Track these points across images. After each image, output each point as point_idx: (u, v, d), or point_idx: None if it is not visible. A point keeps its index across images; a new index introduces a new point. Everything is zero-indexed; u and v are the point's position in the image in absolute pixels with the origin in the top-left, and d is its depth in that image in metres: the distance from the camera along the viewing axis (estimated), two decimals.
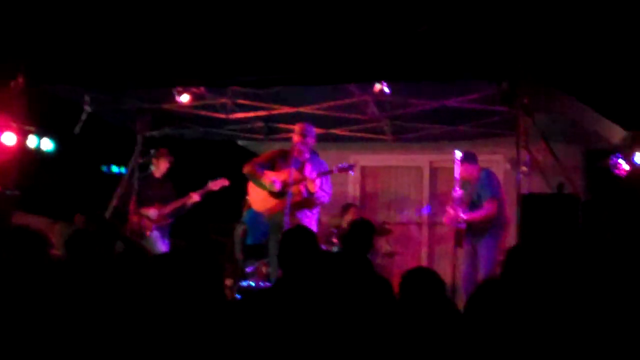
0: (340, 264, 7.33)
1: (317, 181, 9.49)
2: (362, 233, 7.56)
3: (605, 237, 8.65)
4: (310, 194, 9.49)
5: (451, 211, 10.17)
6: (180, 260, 5.88)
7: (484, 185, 9.98)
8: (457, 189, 10.04)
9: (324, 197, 9.67)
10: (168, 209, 10.51)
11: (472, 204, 10.04)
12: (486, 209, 9.84)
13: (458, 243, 10.16)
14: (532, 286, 5.22)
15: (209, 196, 10.76)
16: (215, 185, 10.59)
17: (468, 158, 10.05)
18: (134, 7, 8.84)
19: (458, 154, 9.87)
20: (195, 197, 10.59)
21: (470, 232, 9.96)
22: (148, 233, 10.32)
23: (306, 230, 6.04)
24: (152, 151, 10.77)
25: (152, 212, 10.39)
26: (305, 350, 4.90)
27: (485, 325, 4.37)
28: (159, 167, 10.69)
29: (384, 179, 13.86)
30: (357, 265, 7.11)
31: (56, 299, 5.38)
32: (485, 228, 9.85)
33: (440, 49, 8.11)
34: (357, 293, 5.91)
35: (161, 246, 10.31)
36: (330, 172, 9.65)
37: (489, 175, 10.08)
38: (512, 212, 9.51)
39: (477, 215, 9.95)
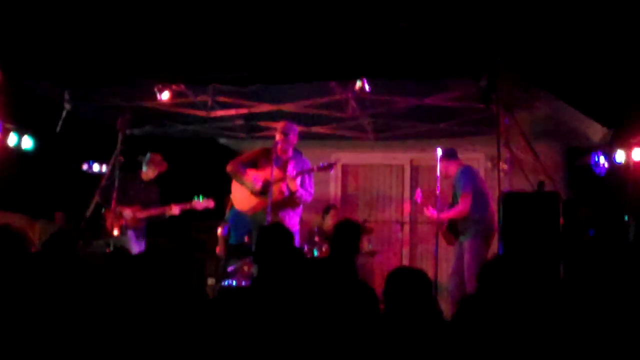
0: (326, 267, 7.31)
1: (298, 180, 9.46)
2: (348, 235, 7.51)
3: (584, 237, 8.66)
4: (292, 192, 9.47)
5: (427, 212, 10.21)
6: (160, 258, 5.87)
7: (457, 182, 9.98)
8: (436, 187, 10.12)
9: (306, 196, 9.64)
10: (144, 214, 10.44)
11: (453, 202, 10.05)
12: (460, 205, 9.82)
13: (448, 242, 10.19)
14: (507, 301, 5.20)
15: (189, 195, 10.71)
16: (200, 205, 10.56)
17: (446, 155, 10.05)
18: (114, 4, 8.80)
19: (440, 152, 9.87)
20: (175, 210, 10.52)
21: (456, 230, 9.97)
22: (118, 232, 10.24)
23: (282, 227, 6.03)
24: (148, 155, 10.73)
25: (126, 213, 10.32)
26: (282, 350, 4.88)
27: (467, 338, 4.39)
28: (148, 172, 10.64)
29: (365, 177, 13.85)
30: (342, 269, 7.07)
31: (36, 297, 5.34)
32: (469, 226, 9.82)
33: (420, 46, 8.11)
34: (337, 297, 5.89)
35: (135, 246, 10.23)
36: (311, 170, 9.62)
37: (463, 171, 10.05)
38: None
39: (452, 212, 9.96)
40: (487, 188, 10.08)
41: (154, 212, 10.47)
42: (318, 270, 7.11)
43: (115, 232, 10.14)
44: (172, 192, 10.73)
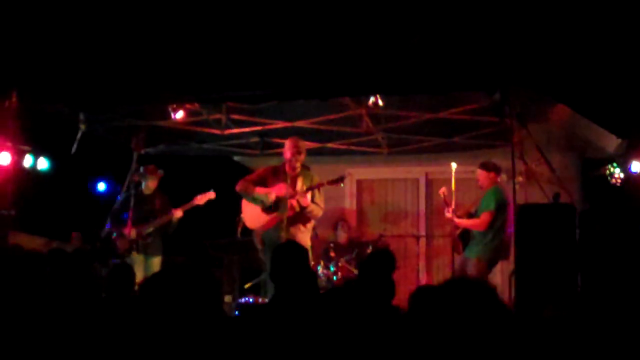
0: (354, 290, 7.25)
1: (308, 195, 9.45)
2: (380, 265, 7.44)
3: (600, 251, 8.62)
4: (303, 208, 9.46)
5: (446, 213, 10.22)
6: (177, 277, 5.87)
7: (487, 196, 9.96)
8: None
9: (317, 211, 9.63)
10: (148, 227, 10.33)
11: (475, 214, 10.03)
12: (479, 220, 9.80)
13: (455, 250, 10.19)
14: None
15: (204, 213, 10.69)
16: (201, 199, 10.45)
17: (487, 166, 10.05)
18: (126, 25, 8.83)
19: (454, 166, 9.86)
20: (178, 213, 10.44)
21: (466, 241, 9.97)
22: (128, 253, 10.16)
23: (296, 245, 6.02)
24: (141, 169, 10.69)
25: (128, 233, 10.24)
26: None
27: None
28: (148, 184, 10.58)
29: (380, 191, 13.85)
30: (371, 295, 7.01)
31: (51, 318, 5.35)
32: (478, 244, 9.81)
33: (433, 61, 8.11)
34: (360, 322, 5.86)
35: (142, 267, 10.11)
36: (321, 185, 9.61)
37: (497, 189, 10.03)
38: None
39: (469, 222, 9.97)
40: (512, 214, 10.08)
41: (156, 223, 10.38)
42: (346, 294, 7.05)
43: (122, 255, 10.08)
44: (188, 210, 10.70)
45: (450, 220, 10.24)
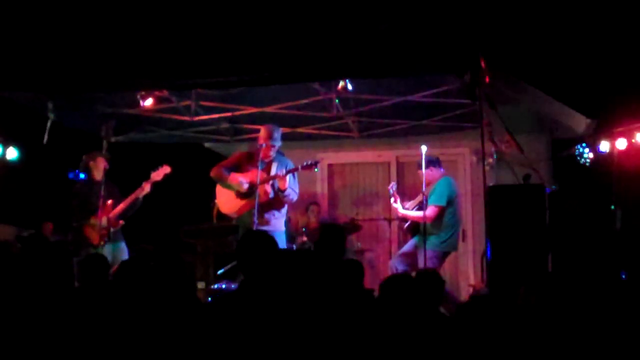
0: (312, 265, 7.27)
1: (287, 178, 9.47)
2: (332, 239, 7.51)
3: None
4: (279, 192, 9.48)
5: (393, 204, 10.31)
6: (150, 264, 5.88)
7: (435, 189, 10.02)
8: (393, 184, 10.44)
9: (292, 195, 9.66)
10: (118, 210, 10.14)
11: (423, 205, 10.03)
12: (427, 212, 9.80)
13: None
14: None
15: (176, 199, 10.65)
16: (158, 175, 10.22)
17: (430, 163, 10.07)
18: (94, 11, 8.78)
19: (424, 149, 9.87)
20: (147, 187, 10.19)
21: (416, 231, 10.06)
22: (102, 243, 9.99)
23: (262, 234, 6.02)
24: (84, 157, 10.48)
25: (102, 220, 10.02)
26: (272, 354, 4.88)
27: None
28: (98, 168, 10.36)
29: (351, 175, 13.88)
30: (328, 271, 7.03)
31: (23, 305, 5.34)
32: (430, 237, 9.86)
33: (401, 44, 8.11)
34: (327, 301, 5.88)
35: (111, 255, 9.97)
36: (295, 170, 9.63)
37: (446, 181, 10.12)
38: (478, 204, 9.57)
39: (415, 215, 10.03)
40: (461, 204, 10.20)
41: (124, 204, 10.16)
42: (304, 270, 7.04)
43: (101, 242, 9.94)
44: (160, 197, 10.63)
45: (395, 210, 10.39)
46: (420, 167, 9.92)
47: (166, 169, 10.11)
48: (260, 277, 5.41)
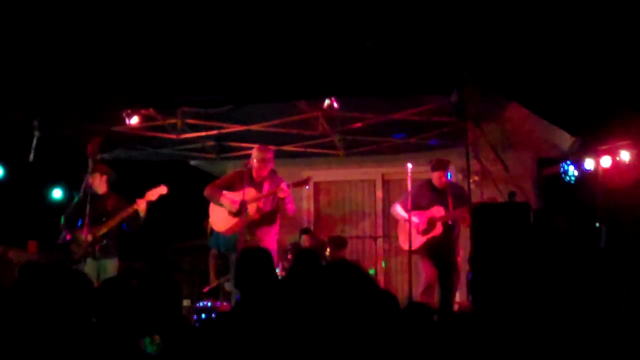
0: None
1: (286, 188, 9.50)
2: (306, 264, 7.46)
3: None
4: (280, 200, 9.50)
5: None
6: (132, 283, 5.85)
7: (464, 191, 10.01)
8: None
9: (291, 205, 9.72)
10: (103, 229, 10.04)
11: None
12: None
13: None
14: None
15: (163, 217, 10.60)
16: (153, 194, 10.17)
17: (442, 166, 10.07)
18: (79, 30, 8.79)
19: (410, 167, 9.88)
20: (142, 204, 10.09)
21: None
22: (83, 259, 9.89)
23: (262, 251, 6.00)
24: (88, 169, 10.46)
25: (84, 237, 9.94)
26: None
27: None
28: (98, 182, 10.28)
29: (337, 193, 13.90)
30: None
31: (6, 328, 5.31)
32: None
33: (387, 63, 8.15)
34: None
35: (95, 272, 9.88)
36: (304, 182, 9.73)
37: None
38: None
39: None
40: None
41: (113, 222, 10.09)
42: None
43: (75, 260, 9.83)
44: (146, 215, 10.57)
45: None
46: (440, 168, 9.94)
47: (162, 190, 10.05)
48: (257, 294, 5.40)
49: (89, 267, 9.65)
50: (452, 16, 8.30)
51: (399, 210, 10.34)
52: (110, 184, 10.25)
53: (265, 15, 8.38)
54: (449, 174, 10.14)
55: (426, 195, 10.09)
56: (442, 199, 9.97)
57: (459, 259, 10.14)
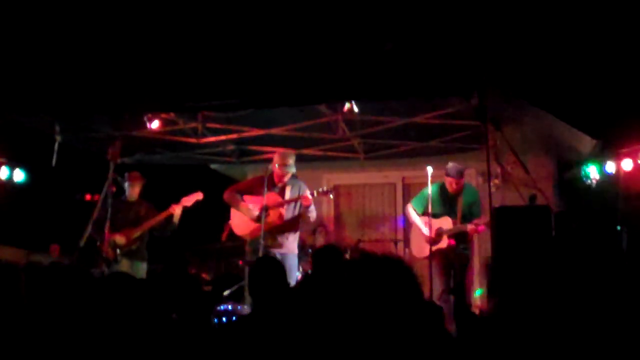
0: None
1: (309, 196, 9.49)
2: (327, 261, 7.31)
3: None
4: (305, 208, 9.50)
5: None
6: (159, 285, 5.89)
7: (477, 201, 10.00)
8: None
9: (313, 213, 9.74)
10: (137, 231, 10.21)
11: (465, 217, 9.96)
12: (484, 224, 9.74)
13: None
14: None
15: (184, 220, 10.62)
16: (189, 200, 10.31)
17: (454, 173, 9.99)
18: (101, 34, 8.83)
19: (430, 170, 9.85)
20: (178, 209, 10.23)
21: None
22: (116, 259, 10.03)
23: (274, 261, 6.05)
24: (125, 175, 10.61)
25: (118, 238, 10.13)
26: None
27: None
28: (130, 191, 10.49)
29: (357, 197, 13.88)
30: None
31: (29, 333, 5.33)
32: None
33: (407, 66, 8.14)
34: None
35: (136, 273, 10.05)
36: (329, 192, 9.74)
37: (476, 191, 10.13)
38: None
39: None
40: None
41: (147, 225, 10.24)
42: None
43: (109, 261, 9.96)
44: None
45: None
46: (460, 175, 9.88)
47: (198, 195, 10.19)
48: (269, 303, 5.44)
49: (122, 267, 9.82)
50: (472, 19, 8.29)
51: (411, 212, 10.31)
52: (141, 191, 10.41)
53: (286, 19, 8.40)
54: (464, 182, 10.02)
55: (438, 201, 9.99)
56: (452, 208, 9.93)
57: (472, 264, 10.09)
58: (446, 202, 9.98)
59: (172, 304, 5.67)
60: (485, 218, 9.57)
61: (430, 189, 9.71)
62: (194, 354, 5.05)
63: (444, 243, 9.88)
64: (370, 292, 3.56)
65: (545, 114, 10.23)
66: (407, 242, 12.76)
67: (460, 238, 9.91)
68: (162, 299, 5.62)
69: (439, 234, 9.87)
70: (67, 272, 5.92)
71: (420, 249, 10.07)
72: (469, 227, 9.74)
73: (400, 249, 12.66)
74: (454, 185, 9.88)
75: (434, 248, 9.82)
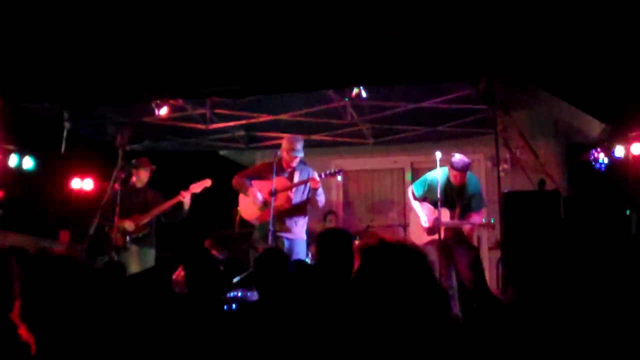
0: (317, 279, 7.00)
1: (318, 178, 9.45)
2: (333, 245, 7.00)
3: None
4: (312, 190, 9.49)
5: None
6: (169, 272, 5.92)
7: (479, 194, 9.91)
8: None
9: (322, 197, 9.70)
10: (147, 217, 10.19)
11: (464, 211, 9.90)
12: (481, 219, 9.72)
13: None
14: None
15: (192, 207, 10.62)
16: (197, 187, 10.27)
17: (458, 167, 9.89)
18: (109, 23, 8.83)
19: (439, 155, 9.81)
20: (187, 196, 10.19)
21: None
22: (121, 247, 10.02)
23: (278, 252, 6.08)
24: (133, 161, 10.57)
25: (128, 224, 10.11)
26: None
27: None
28: (140, 177, 10.45)
29: (366, 182, 13.86)
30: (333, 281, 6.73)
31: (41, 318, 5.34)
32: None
33: (415, 50, 8.13)
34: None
35: (137, 260, 10.04)
36: (337, 173, 9.69)
37: (478, 182, 10.03)
38: (493, 210, 9.54)
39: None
40: None
41: (156, 211, 10.22)
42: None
43: (118, 248, 9.96)
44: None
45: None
46: (465, 170, 9.77)
47: (207, 182, 10.13)
48: (273, 294, 5.49)
49: (131, 254, 9.82)
50: (480, 4, 8.27)
51: (411, 196, 10.28)
52: (150, 177, 10.39)
53: (294, 4, 8.39)
54: (467, 174, 9.91)
55: (441, 188, 9.88)
56: (452, 200, 9.84)
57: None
58: (447, 193, 9.90)
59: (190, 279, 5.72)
60: (480, 217, 9.59)
61: (439, 174, 9.64)
62: (203, 336, 5.07)
63: (440, 235, 9.83)
64: (387, 279, 3.54)
65: (555, 98, 10.21)
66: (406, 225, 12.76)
67: (457, 231, 9.88)
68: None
69: (436, 225, 9.80)
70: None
71: (417, 236, 10.04)
72: (466, 227, 9.72)
73: (409, 234, 12.65)
74: (458, 179, 9.80)
75: (430, 238, 9.81)
